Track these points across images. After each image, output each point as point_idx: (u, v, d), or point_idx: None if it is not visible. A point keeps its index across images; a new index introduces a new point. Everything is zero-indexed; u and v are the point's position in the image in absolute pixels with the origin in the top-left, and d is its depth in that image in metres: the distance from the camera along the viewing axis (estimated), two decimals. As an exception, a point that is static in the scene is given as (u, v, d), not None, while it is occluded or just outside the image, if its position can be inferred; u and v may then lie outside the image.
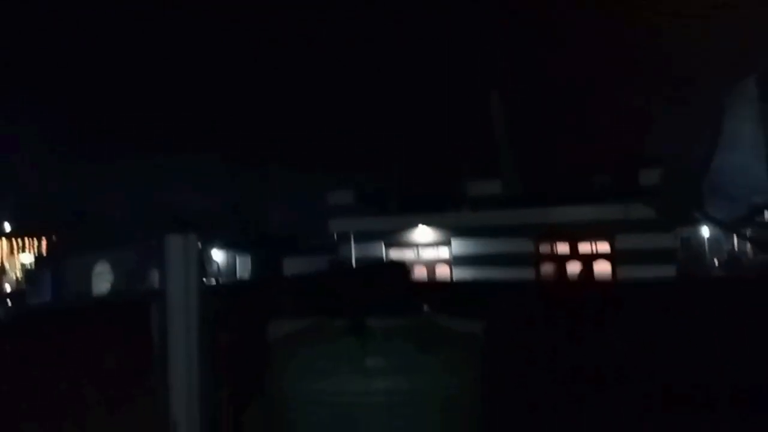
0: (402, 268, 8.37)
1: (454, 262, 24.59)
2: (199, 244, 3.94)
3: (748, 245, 31.41)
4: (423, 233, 25.14)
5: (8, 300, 29.48)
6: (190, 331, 3.62)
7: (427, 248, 25.51)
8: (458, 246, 24.55)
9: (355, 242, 25.16)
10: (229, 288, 7.05)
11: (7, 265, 37.95)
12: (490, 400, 3.34)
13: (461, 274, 23.48)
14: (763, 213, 29.91)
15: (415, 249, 25.54)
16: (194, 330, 3.63)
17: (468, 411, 3.15)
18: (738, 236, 28.45)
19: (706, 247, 31.06)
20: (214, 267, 33.73)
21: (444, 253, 25.14)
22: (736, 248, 33.15)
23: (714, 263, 30.64)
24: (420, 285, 12.15)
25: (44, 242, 39.70)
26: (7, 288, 35.85)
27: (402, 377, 3.00)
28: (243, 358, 4.13)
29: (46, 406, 3.03)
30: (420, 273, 24.32)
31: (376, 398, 2.96)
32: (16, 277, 37.59)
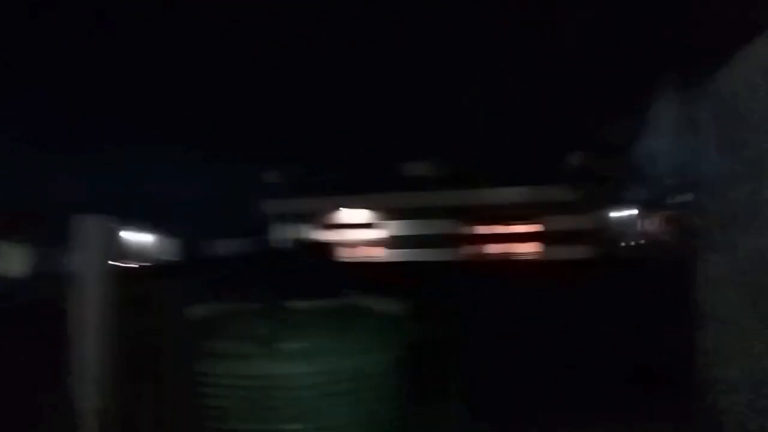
0: (324, 249, 8.33)
1: (384, 242, 24.70)
2: (116, 225, 3.80)
3: (666, 226, 32.75)
4: (352, 214, 25.13)
5: None
6: (103, 313, 3.49)
7: (356, 229, 25.53)
8: (388, 227, 24.66)
9: (286, 223, 24.91)
10: (149, 270, 6.86)
11: None
12: (413, 376, 3.35)
13: (391, 255, 23.63)
14: (679, 194, 31.16)
15: (342, 230, 25.51)
16: (107, 312, 3.50)
17: (388, 390, 3.15)
18: (656, 217, 29.60)
19: (625, 229, 32.20)
20: (131, 248, 32.68)
21: (373, 233, 25.22)
22: (654, 230, 34.52)
23: (632, 244, 31.81)
24: (344, 266, 12.15)
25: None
26: None
27: (319, 359, 2.97)
28: (161, 342, 4.02)
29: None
30: (347, 254, 24.35)
31: (292, 381, 2.93)
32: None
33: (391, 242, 24.39)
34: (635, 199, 26.13)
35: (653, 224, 34.63)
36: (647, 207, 28.53)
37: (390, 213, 24.51)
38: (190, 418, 3.21)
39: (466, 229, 24.26)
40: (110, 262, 3.57)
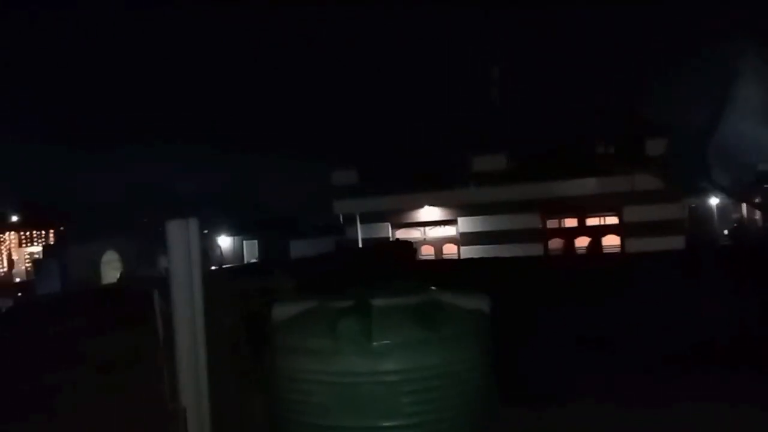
0: (407, 247, 8.35)
1: (462, 240, 24.53)
2: (203, 230, 3.92)
3: (757, 213, 31.26)
4: (429, 212, 25.05)
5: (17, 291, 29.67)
6: (194, 315, 3.61)
7: (434, 227, 25.44)
8: (465, 224, 24.47)
9: (361, 223, 25.09)
10: (234, 271, 7.05)
11: (15, 257, 38.16)
12: (499, 373, 3.33)
13: (469, 252, 23.43)
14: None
15: (421, 228, 25.48)
16: (198, 314, 3.61)
17: (475, 386, 3.13)
18: (747, 204, 28.26)
19: (715, 217, 30.94)
20: (218, 252, 33.78)
21: (451, 231, 25.08)
22: (745, 216, 33.02)
23: (723, 232, 30.53)
24: (426, 264, 12.14)
25: (51, 233, 39.89)
26: (17, 279, 36.08)
27: (407, 356, 2.97)
28: (249, 340, 4.13)
29: (50, 391, 3.02)
30: (427, 252, 24.29)
31: (381, 378, 2.95)
32: (25, 268, 37.83)
33: (468, 238, 24.19)
34: (720, 187, 25.02)
35: (744, 211, 33.09)
36: (733, 195, 27.27)
37: (466, 209, 24.30)
38: (279, 414, 3.27)
39: (545, 223, 23.78)
40: (199, 263, 3.68)
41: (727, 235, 30.06)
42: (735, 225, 31.85)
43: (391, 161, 25.83)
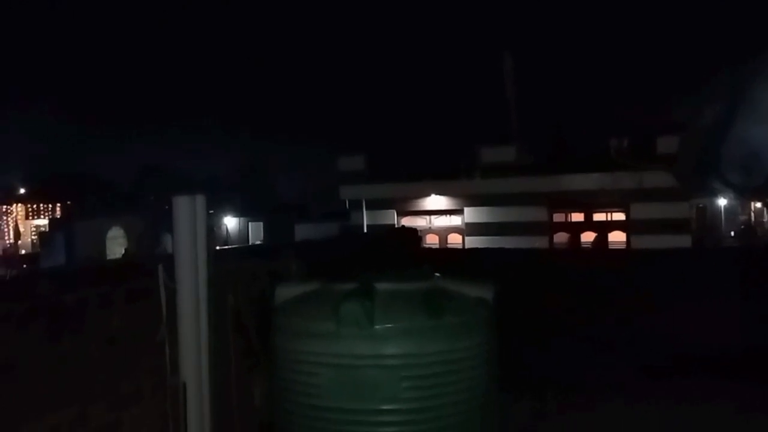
0: (413, 235, 8.32)
1: (467, 230, 24.50)
2: (210, 210, 3.91)
3: (765, 215, 31.09)
4: (435, 201, 25.02)
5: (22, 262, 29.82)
6: (198, 291, 3.60)
7: (440, 216, 25.42)
8: (471, 214, 24.43)
9: (366, 209, 25.08)
10: (241, 251, 7.05)
11: (22, 228, 38.34)
12: (503, 361, 3.32)
13: (474, 242, 23.40)
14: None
15: (427, 217, 25.46)
16: (203, 290, 3.61)
17: (476, 375, 3.12)
18: (763, 204, 28.07)
19: (722, 217, 30.80)
20: (224, 231, 33.87)
21: (456, 221, 25.04)
22: (752, 218, 32.85)
23: (729, 233, 30.40)
24: (431, 251, 12.12)
25: (58, 207, 40.05)
26: (22, 251, 36.26)
27: (409, 342, 2.97)
28: (251, 320, 4.12)
29: (49, 366, 3.02)
30: (432, 241, 24.27)
31: (382, 362, 2.94)
32: (31, 241, 38.01)
33: (473, 229, 24.16)
34: (729, 186, 24.87)
35: (748, 214, 32.92)
36: (742, 194, 27.10)
37: (472, 199, 24.24)
38: (279, 394, 3.27)
39: (552, 216, 23.72)
40: (205, 239, 3.67)
41: (734, 237, 29.93)
42: (742, 226, 31.70)
43: (399, 149, 25.79)
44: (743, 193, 26.18)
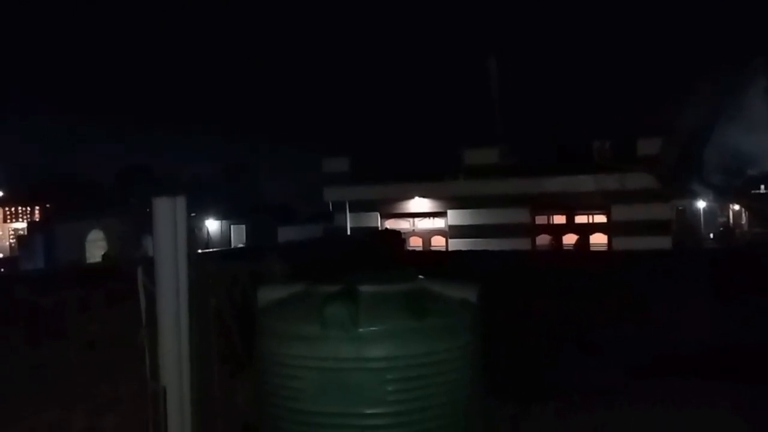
0: (396, 237, 8.30)
1: (450, 232, 24.53)
2: (191, 212, 3.87)
3: (743, 217, 31.48)
4: (419, 203, 25.02)
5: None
6: (179, 294, 3.55)
7: (423, 218, 25.42)
8: (454, 216, 24.47)
9: (350, 211, 25.02)
10: (223, 254, 6.98)
11: (0, 232, 37.82)
12: (486, 363, 3.31)
13: (457, 245, 23.42)
14: (759, 186, 29.92)
15: (411, 219, 25.45)
16: (183, 293, 3.56)
17: (460, 377, 3.10)
18: (742, 206, 28.43)
19: (702, 219, 31.12)
20: (204, 233, 33.63)
21: (440, 223, 25.07)
22: (730, 221, 33.26)
23: (708, 235, 30.74)
24: (415, 254, 12.11)
25: (37, 210, 39.53)
26: (0, 254, 35.80)
27: (393, 344, 2.94)
28: (234, 323, 4.08)
29: (27, 369, 2.96)
30: (415, 243, 24.26)
31: (367, 365, 2.91)
32: (9, 244, 37.52)
33: (457, 231, 24.19)
34: (709, 188, 25.13)
35: (726, 216, 33.32)
36: (723, 196, 27.41)
37: (456, 201, 24.28)
38: (263, 398, 3.23)
39: (534, 219, 23.82)
40: (185, 241, 3.63)
41: (713, 238, 30.27)
42: (721, 228, 32.08)
43: (382, 150, 25.77)
44: (723, 195, 26.48)
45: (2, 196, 41.49)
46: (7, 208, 39.88)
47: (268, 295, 3.38)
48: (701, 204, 30.41)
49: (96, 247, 29.24)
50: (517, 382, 5.15)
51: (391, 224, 24.74)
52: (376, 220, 25.24)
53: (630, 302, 6.95)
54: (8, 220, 39.53)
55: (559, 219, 24.04)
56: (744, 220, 32.38)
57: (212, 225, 35.40)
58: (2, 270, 27.46)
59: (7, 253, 36.38)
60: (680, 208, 28.97)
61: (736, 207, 30.93)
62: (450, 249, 23.05)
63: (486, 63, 26.61)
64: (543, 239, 23.71)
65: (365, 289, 3.09)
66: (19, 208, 40.17)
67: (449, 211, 24.53)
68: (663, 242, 20.41)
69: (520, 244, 21.66)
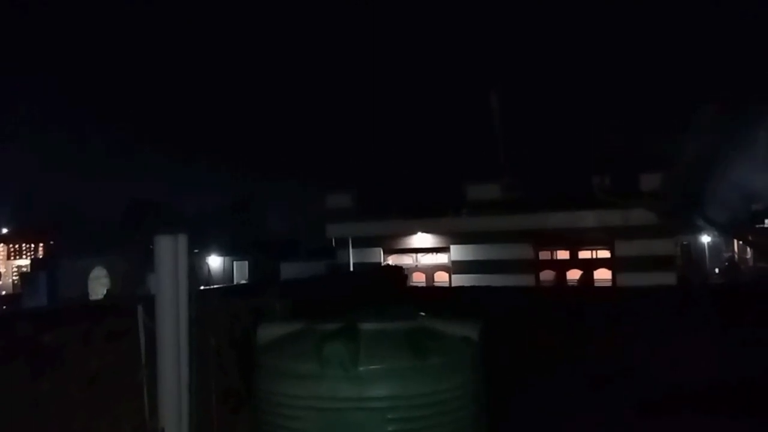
0: (398, 273, 8.28)
1: (453, 268, 24.45)
2: (194, 249, 3.87)
3: (748, 252, 31.34)
4: (422, 239, 25.00)
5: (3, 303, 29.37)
6: (179, 331, 3.53)
7: (426, 254, 25.37)
8: (457, 252, 24.41)
9: (353, 247, 25.00)
10: (224, 291, 6.96)
11: (2, 269, 37.85)
12: (491, 401, 3.26)
13: (461, 280, 23.34)
14: (763, 221, 29.83)
15: (413, 255, 25.40)
16: (183, 331, 3.54)
17: (463, 416, 3.06)
18: (743, 241, 28.31)
19: (707, 254, 31.00)
20: (205, 270, 33.52)
21: (443, 258, 25.01)
22: (735, 255, 33.11)
23: (714, 270, 30.58)
24: (417, 290, 12.05)
25: (41, 246, 39.65)
26: (2, 292, 35.75)
27: (394, 383, 2.90)
28: (234, 361, 4.05)
29: (28, 404, 2.94)
30: (418, 279, 24.18)
31: (367, 404, 2.87)
32: (12, 281, 37.51)
33: (460, 267, 24.11)
34: (713, 224, 25.04)
35: (735, 249, 33.17)
36: (726, 231, 27.30)
37: (459, 237, 24.25)
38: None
39: (537, 254, 23.74)
40: (186, 279, 3.62)
41: (718, 273, 30.10)
42: (726, 263, 31.93)
43: (385, 186, 25.86)
44: (726, 231, 26.39)
45: (6, 233, 41.62)
46: (11, 245, 39.97)
47: (268, 332, 3.36)
48: (706, 239, 30.32)
49: (99, 284, 29.18)
50: (523, 416, 5.08)
51: (394, 259, 24.70)
52: (379, 256, 25.20)
53: (637, 339, 6.88)
54: (12, 257, 39.60)
55: (563, 254, 23.96)
56: (749, 255, 32.24)
57: (215, 261, 35.34)
58: (5, 307, 27.40)
59: (11, 291, 36.32)
60: (685, 243, 28.89)
61: (741, 242, 30.82)
62: (453, 284, 22.96)
63: (488, 98, 26.83)
64: (547, 275, 23.61)
65: (365, 327, 3.06)
66: (23, 245, 40.26)
67: (452, 247, 24.49)
68: (667, 278, 20.31)
69: (524, 279, 21.59)
